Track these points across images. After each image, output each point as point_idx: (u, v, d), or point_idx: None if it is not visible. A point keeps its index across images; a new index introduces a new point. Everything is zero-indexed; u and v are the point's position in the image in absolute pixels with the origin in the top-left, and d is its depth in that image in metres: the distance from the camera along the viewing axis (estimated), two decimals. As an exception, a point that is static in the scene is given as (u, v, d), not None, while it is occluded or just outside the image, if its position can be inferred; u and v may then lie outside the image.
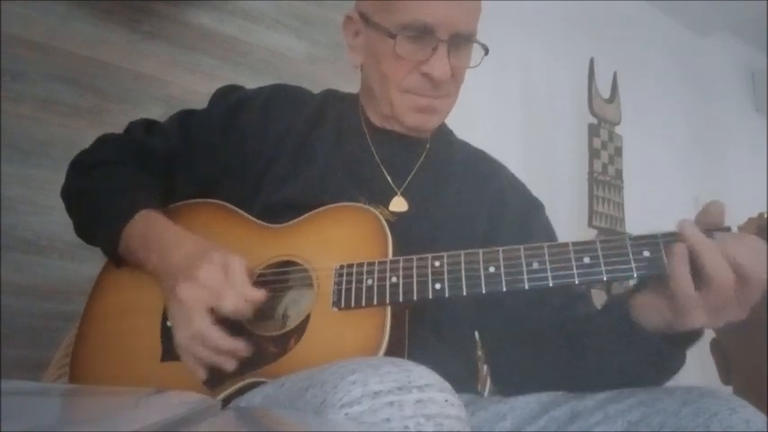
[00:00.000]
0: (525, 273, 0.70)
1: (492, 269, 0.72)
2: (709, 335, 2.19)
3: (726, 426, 0.61)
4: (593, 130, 2.45)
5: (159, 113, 1.64)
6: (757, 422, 0.62)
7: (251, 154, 0.96)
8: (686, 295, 0.64)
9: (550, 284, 0.70)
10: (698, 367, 2.32)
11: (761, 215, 0.68)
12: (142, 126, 1.02)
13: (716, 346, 2.19)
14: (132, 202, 0.89)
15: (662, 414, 0.66)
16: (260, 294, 0.78)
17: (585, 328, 0.80)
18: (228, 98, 1.01)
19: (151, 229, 0.86)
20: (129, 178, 0.95)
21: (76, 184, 0.98)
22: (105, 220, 0.90)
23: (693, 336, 0.71)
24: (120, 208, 0.89)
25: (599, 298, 2.10)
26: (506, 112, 2.44)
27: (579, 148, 2.47)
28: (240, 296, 0.77)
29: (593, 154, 2.43)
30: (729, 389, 2.03)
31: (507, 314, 0.89)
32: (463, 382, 0.87)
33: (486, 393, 1.16)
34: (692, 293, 0.64)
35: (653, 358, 0.72)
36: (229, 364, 0.77)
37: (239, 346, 0.77)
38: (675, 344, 0.71)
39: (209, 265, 0.78)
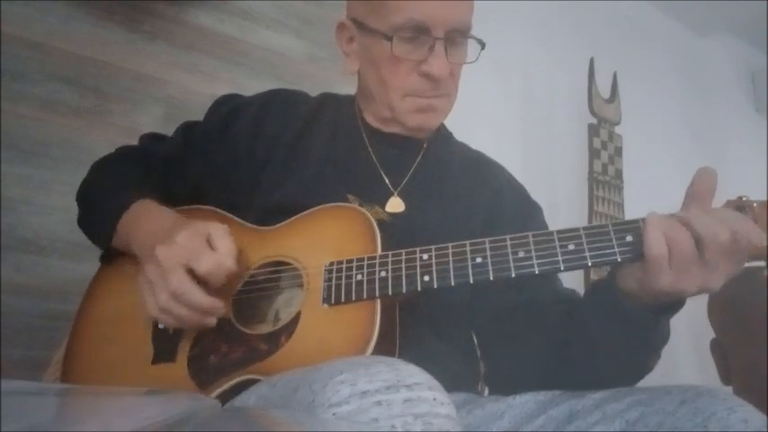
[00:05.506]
0: (511, 261, 0.71)
1: (479, 259, 0.73)
2: (709, 335, 2.19)
3: (724, 425, 0.61)
4: (593, 130, 2.45)
5: (159, 113, 1.64)
6: (755, 422, 0.61)
7: (245, 158, 0.97)
8: (654, 256, 0.66)
9: (536, 272, 0.71)
10: (698, 367, 2.32)
11: (739, 197, 0.69)
12: (150, 136, 1.09)
13: (716, 346, 2.19)
14: (127, 196, 0.91)
15: (660, 413, 0.65)
16: (233, 266, 0.78)
17: (571, 321, 0.80)
18: (226, 105, 1.03)
19: (142, 215, 0.89)
20: (127, 177, 0.99)
21: (84, 181, 1.03)
22: (101, 214, 0.93)
23: (675, 305, 0.72)
24: (115, 203, 0.91)
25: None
26: (506, 112, 2.44)
27: (579, 148, 2.47)
28: (217, 259, 0.77)
29: (593, 154, 2.42)
30: (729, 389, 2.03)
31: (493, 312, 0.90)
32: (463, 380, 0.87)
33: (486, 392, 1.15)
34: (659, 254, 0.66)
35: (638, 332, 0.73)
36: (210, 321, 0.77)
37: (218, 303, 0.77)
38: (658, 314, 0.72)
39: (189, 231, 0.78)
